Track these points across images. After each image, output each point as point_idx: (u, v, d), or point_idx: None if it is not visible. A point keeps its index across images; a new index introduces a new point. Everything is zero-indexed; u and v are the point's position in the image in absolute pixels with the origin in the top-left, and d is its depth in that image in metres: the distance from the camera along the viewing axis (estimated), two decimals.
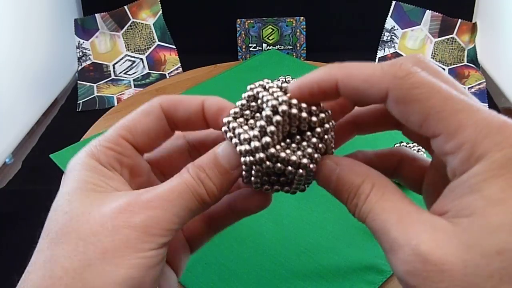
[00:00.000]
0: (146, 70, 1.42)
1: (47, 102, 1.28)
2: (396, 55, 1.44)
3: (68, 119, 1.19)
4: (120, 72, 1.42)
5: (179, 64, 1.44)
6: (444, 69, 1.39)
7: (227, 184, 0.20)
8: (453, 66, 1.40)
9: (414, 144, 0.60)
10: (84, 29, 1.46)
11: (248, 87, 0.21)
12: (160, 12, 1.45)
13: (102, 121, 0.77)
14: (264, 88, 0.20)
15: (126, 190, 0.20)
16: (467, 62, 1.39)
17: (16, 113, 1.13)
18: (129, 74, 1.41)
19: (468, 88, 1.30)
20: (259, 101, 0.20)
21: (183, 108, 0.22)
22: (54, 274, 0.17)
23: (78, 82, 1.36)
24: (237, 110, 0.21)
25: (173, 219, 0.18)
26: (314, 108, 0.20)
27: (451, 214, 0.16)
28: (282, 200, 0.55)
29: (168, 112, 0.22)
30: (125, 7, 1.45)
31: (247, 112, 0.21)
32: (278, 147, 0.19)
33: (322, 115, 0.20)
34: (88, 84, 1.35)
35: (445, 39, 1.43)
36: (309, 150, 0.20)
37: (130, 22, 1.47)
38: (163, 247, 0.18)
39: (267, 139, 0.19)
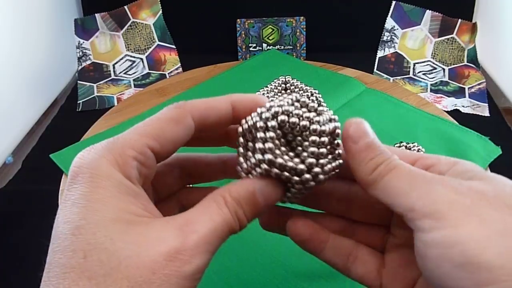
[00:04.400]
0: (146, 70, 1.42)
1: (47, 102, 1.28)
2: (396, 55, 1.44)
3: (68, 119, 1.19)
4: (120, 72, 1.42)
5: (179, 64, 1.44)
6: (444, 69, 1.40)
7: (256, 217, 0.21)
8: (453, 66, 1.40)
9: (414, 143, 0.60)
10: (84, 29, 1.46)
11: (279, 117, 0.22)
12: (160, 12, 1.45)
13: (102, 121, 0.77)
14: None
15: (152, 209, 0.20)
16: (467, 62, 1.39)
17: (16, 113, 1.13)
18: (129, 74, 1.41)
19: (468, 88, 1.30)
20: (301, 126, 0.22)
21: (214, 115, 0.22)
22: None
23: (78, 82, 1.36)
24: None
25: (210, 259, 0.19)
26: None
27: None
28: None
29: (199, 122, 0.21)
30: (125, 7, 1.45)
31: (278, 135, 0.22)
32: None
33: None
34: (88, 84, 1.35)
35: (445, 39, 1.43)
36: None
37: (130, 22, 1.47)
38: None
39: (317, 170, 0.21)
